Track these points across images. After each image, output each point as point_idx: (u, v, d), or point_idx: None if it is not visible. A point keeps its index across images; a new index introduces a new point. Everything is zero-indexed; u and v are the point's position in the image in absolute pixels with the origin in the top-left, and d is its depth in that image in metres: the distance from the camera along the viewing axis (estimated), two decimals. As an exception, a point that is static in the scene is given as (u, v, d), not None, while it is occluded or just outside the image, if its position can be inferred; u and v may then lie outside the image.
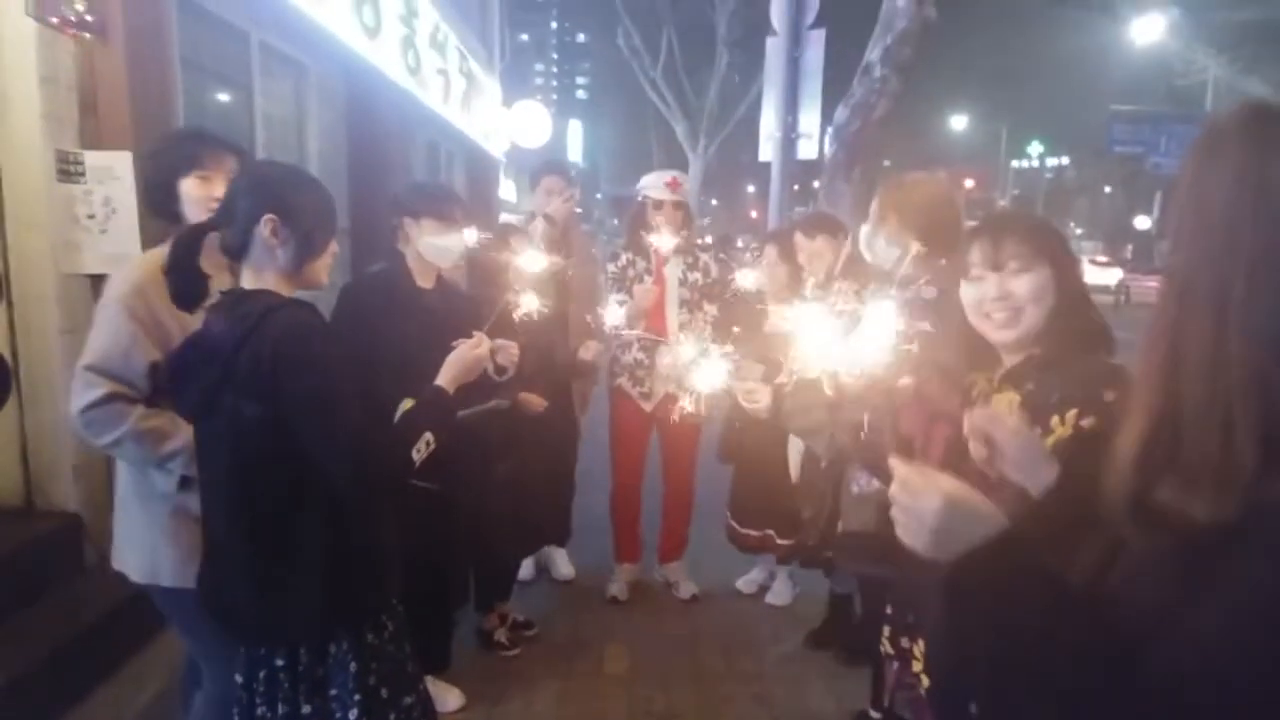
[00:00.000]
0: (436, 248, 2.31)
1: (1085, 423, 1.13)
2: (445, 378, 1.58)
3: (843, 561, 2.26)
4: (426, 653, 2.51)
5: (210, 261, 1.51)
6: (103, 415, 1.64)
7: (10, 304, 2.68)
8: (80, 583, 2.68)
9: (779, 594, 3.31)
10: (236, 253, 1.43)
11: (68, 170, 2.68)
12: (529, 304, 2.08)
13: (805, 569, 3.11)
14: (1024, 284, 1.24)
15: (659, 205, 3.08)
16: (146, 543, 1.74)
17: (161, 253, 1.67)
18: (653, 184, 3.12)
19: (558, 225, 3.07)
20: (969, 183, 31.02)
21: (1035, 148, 36.08)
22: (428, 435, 1.41)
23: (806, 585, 3.25)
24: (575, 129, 28.45)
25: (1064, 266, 1.26)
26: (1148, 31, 16.16)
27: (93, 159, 2.71)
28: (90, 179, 2.72)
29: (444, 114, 7.30)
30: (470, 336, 1.74)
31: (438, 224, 2.28)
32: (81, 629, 2.46)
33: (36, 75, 2.56)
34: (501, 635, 2.95)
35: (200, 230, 1.48)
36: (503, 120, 10.26)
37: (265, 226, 1.37)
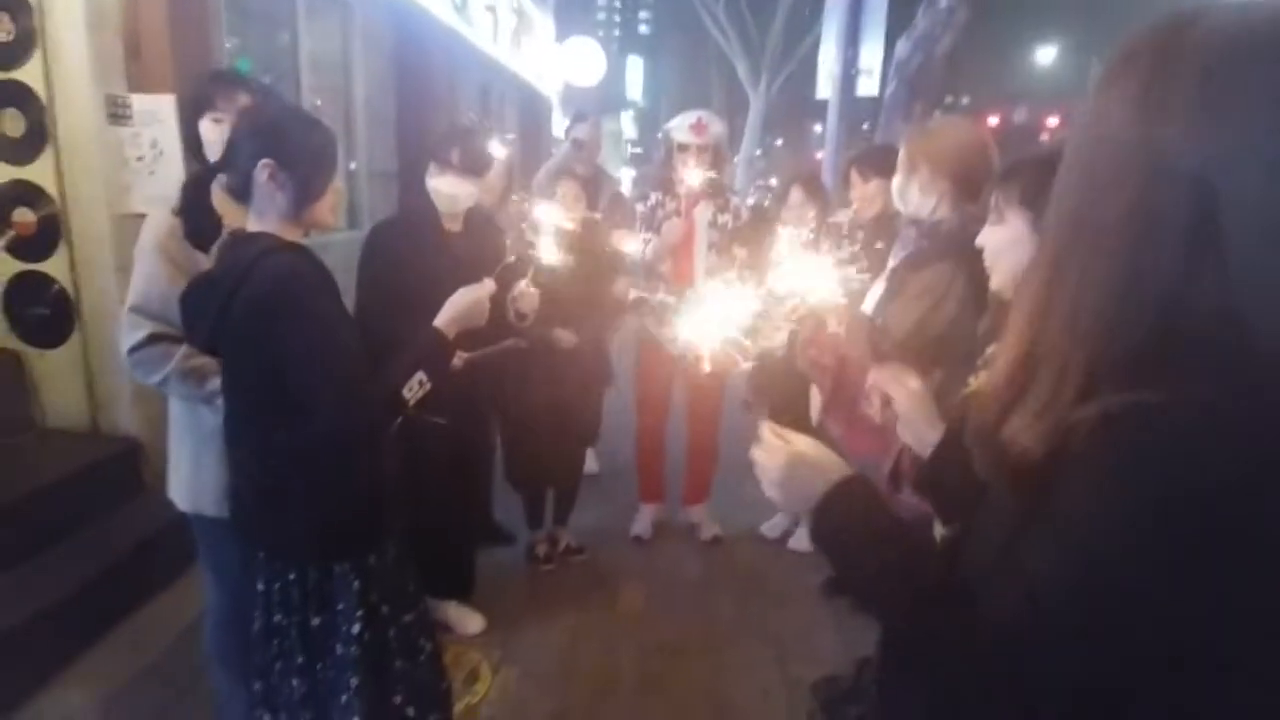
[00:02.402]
0: (437, 193, 2.31)
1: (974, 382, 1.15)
2: (443, 318, 1.60)
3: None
4: (449, 580, 2.67)
5: (226, 204, 1.58)
6: (148, 356, 1.73)
7: (70, 243, 2.86)
8: (139, 502, 2.91)
9: (801, 539, 3.34)
10: (241, 196, 1.46)
11: (117, 114, 2.80)
12: (548, 254, 2.07)
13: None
14: (992, 235, 1.20)
15: (684, 148, 3.03)
16: (193, 474, 1.85)
17: None
18: (678, 126, 3.06)
19: (585, 148, 3.21)
20: (1053, 120, 29.07)
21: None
22: (420, 375, 1.46)
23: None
24: (635, 65, 27.84)
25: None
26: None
27: (139, 102, 2.82)
28: (138, 122, 2.83)
29: (493, 53, 7.25)
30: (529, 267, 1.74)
31: (436, 168, 2.29)
32: (137, 544, 2.68)
33: (84, 22, 2.66)
34: (541, 550, 3.14)
35: (208, 173, 1.54)
36: (555, 58, 10.11)
37: (262, 171, 1.40)
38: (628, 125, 25.37)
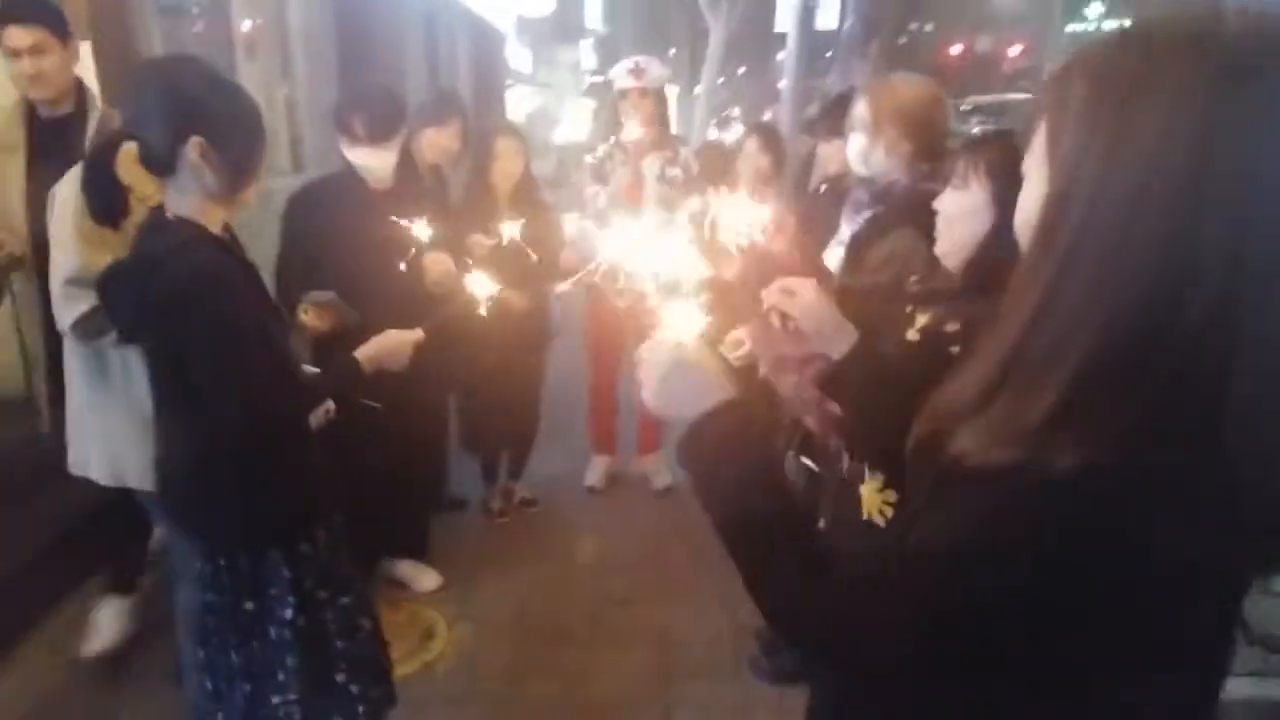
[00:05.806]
0: (355, 165, 2.23)
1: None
2: (364, 353, 1.54)
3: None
4: (404, 538, 2.70)
5: (136, 173, 1.49)
6: (95, 324, 1.67)
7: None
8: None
9: (751, 489, 3.42)
10: (159, 169, 1.35)
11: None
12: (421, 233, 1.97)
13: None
14: (950, 201, 1.21)
15: (625, 94, 2.96)
16: (108, 449, 1.82)
17: None
18: (617, 71, 2.99)
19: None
20: (1014, 50, 28.88)
21: (1094, 8, 33.15)
22: (329, 404, 1.43)
23: (779, 480, 3.35)
24: (595, -10, 26.57)
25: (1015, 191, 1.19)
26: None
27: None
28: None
29: (439, -18, 6.89)
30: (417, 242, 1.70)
31: (346, 141, 2.19)
32: (79, 519, 2.61)
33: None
34: (495, 504, 3.19)
35: (115, 140, 1.44)
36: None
37: (193, 150, 1.30)
38: (587, 55, 24.36)
